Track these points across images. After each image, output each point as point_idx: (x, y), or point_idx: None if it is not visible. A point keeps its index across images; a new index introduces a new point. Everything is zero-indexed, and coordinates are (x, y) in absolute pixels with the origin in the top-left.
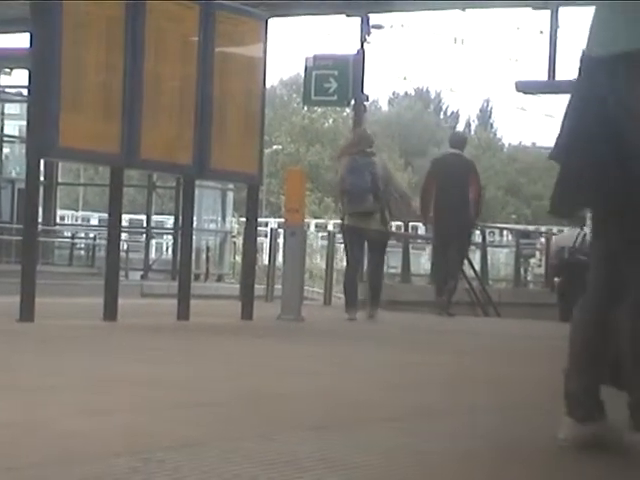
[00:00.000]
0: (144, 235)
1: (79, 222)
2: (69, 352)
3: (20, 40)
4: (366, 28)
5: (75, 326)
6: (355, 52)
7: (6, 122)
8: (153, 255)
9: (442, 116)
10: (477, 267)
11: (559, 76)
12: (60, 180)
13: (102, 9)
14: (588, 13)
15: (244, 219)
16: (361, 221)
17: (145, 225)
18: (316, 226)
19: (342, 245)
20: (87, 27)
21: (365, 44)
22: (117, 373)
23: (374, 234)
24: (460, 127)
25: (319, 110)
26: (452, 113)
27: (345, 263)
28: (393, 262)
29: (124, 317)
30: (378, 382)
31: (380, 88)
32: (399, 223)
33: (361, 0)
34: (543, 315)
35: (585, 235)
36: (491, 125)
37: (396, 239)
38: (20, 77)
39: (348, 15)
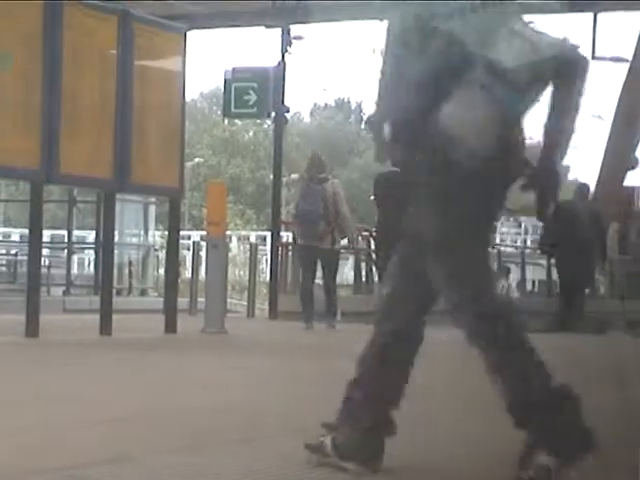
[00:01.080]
0: (65, 250)
1: (0, 238)
2: None
3: None
4: (287, 39)
5: None
6: (275, 64)
7: None
8: (75, 270)
9: (363, 126)
10: None
11: None
12: None
13: (18, 24)
14: None
15: (167, 232)
16: (313, 241)
17: (66, 240)
18: (238, 238)
19: (264, 257)
20: (4, 42)
21: (286, 55)
22: (35, 390)
23: (325, 253)
24: None
25: (240, 123)
26: None
27: (301, 278)
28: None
29: (46, 333)
30: (293, 394)
31: (302, 99)
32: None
33: (279, 9)
34: None
35: None
36: None
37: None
38: None
39: (267, 27)
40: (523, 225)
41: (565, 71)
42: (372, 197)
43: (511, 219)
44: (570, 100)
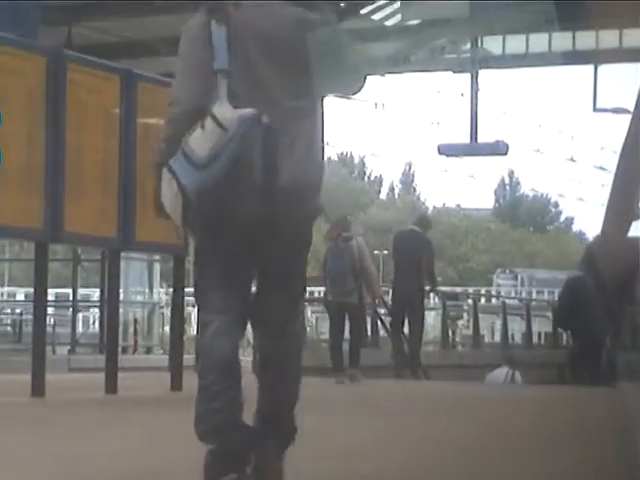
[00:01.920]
0: (70, 309)
1: (5, 298)
2: None
3: None
4: None
5: (1, 403)
6: None
7: None
8: (80, 329)
9: (366, 181)
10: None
11: (481, 138)
12: None
13: (22, 81)
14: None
15: (172, 290)
16: (342, 297)
17: (71, 299)
18: None
19: None
20: (7, 102)
21: None
22: (41, 449)
23: (353, 308)
24: (384, 191)
25: None
26: (376, 178)
27: (330, 333)
28: (323, 328)
29: (52, 392)
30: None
31: None
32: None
33: None
34: (472, 376)
35: None
36: (414, 188)
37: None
38: None
39: None
40: (519, 277)
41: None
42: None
43: (507, 271)
44: None
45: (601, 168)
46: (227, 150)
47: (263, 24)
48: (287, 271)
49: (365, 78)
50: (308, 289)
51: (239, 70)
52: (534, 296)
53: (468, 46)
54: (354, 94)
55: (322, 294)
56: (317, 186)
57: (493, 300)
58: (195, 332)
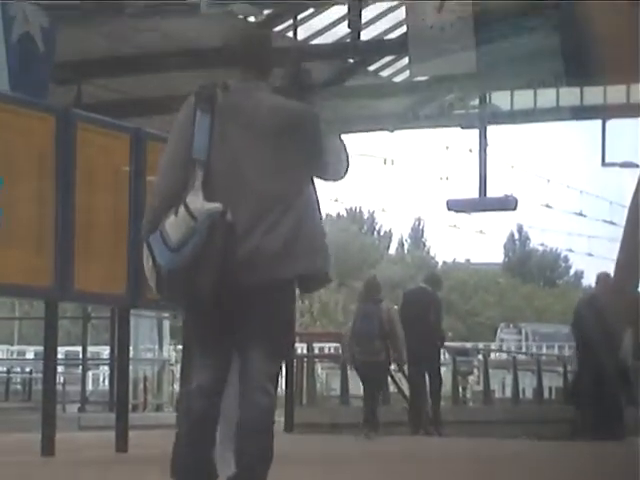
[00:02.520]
0: (80, 367)
1: (15, 356)
2: None
3: None
4: None
5: (10, 463)
6: None
7: None
8: (90, 387)
9: (376, 236)
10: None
11: (490, 193)
12: None
13: (31, 140)
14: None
15: (181, 347)
16: (370, 357)
17: (81, 357)
18: None
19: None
20: (17, 161)
21: None
22: None
23: (378, 366)
24: (393, 247)
25: None
26: (385, 233)
27: (363, 393)
28: (333, 384)
29: (62, 452)
30: None
31: None
32: (337, 345)
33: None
34: (484, 432)
35: None
36: (423, 244)
37: (334, 360)
38: None
39: None
40: (523, 331)
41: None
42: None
43: (511, 325)
44: None
45: (610, 222)
46: (194, 238)
47: (247, 111)
48: (261, 335)
49: (347, 165)
50: (319, 346)
51: (219, 157)
52: (544, 351)
53: (476, 102)
54: (336, 181)
55: (333, 350)
56: (297, 254)
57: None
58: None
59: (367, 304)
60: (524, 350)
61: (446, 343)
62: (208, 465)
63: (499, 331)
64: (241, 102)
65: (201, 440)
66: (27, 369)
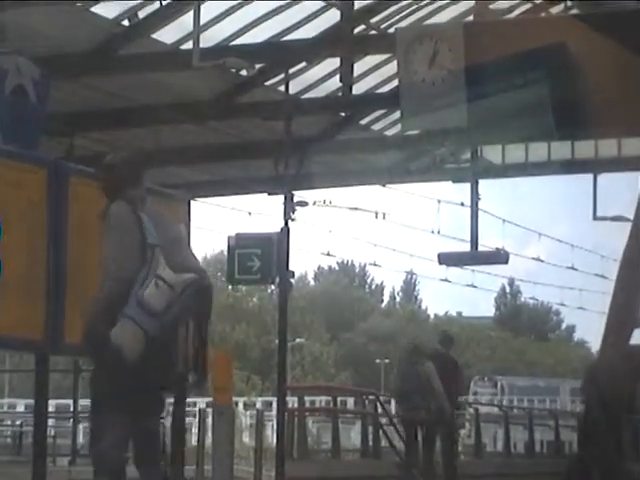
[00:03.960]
0: (71, 420)
1: (5, 409)
2: None
3: None
4: (290, 205)
5: None
6: (279, 230)
7: None
8: (81, 440)
9: (367, 289)
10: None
11: (481, 247)
12: None
13: (22, 192)
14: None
15: (172, 401)
16: (413, 415)
17: (72, 409)
18: (244, 405)
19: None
20: (8, 213)
21: (290, 221)
22: None
23: (423, 423)
24: (385, 300)
25: (244, 288)
26: (377, 286)
27: (405, 450)
28: (324, 437)
29: None
30: None
31: (306, 264)
32: (328, 398)
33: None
34: None
35: None
36: (415, 297)
37: (325, 414)
38: None
39: (270, 194)
40: (499, 384)
41: (199, 297)
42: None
43: (485, 378)
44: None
45: (602, 276)
46: (178, 303)
47: (158, 215)
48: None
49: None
50: (310, 399)
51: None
52: (517, 403)
53: (468, 156)
54: None
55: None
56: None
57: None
58: (196, 443)
59: (409, 366)
60: (497, 404)
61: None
62: None
63: (472, 384)
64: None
65: None
66: (17, 422)
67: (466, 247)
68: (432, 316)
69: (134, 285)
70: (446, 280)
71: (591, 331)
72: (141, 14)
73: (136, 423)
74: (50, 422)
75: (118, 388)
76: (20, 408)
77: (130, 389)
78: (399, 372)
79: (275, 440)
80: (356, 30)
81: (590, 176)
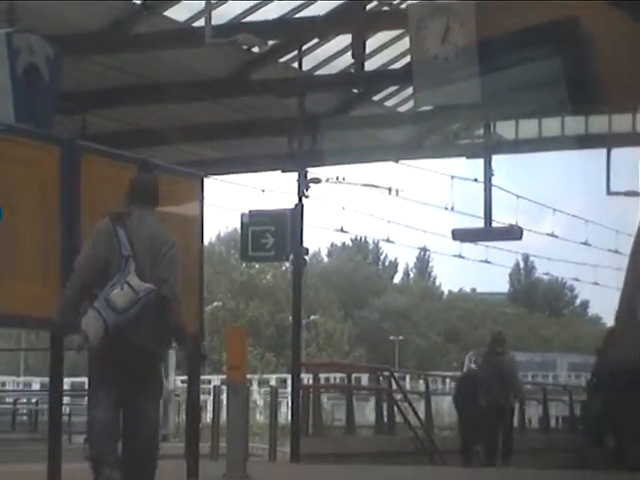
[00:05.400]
0: (86, 398)
1: (21, 387)
2: None
3: None
4: (304, 182)
5: None
6: (293, 207)
7: None
8: None
9: (381, 266)
10: (422, 416)
11: (495, 223)
12: (0, 346)
13: (37, 173)
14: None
15: (187, 377)
16: (491, 403)
17: (87, 387)
18: (259, 382)
19: (284, 399)
20: (22, 192)
21: (303, 198)
22: None
23: (500, 410)
24: (398, 276)
25: (257, 266)
26: (390, 263)
27: (487, 436)
28: (339, 414)
29: None
30: None
31: (320, 241)
32: (343, 375)
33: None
34: None
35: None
36: (429, 273)
37: (340, 391)
38: None
39: (283, 171)
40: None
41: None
42: None
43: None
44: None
45: (616, 251)
46: (138, 304)
47: (144, 232)
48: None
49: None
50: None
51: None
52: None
53: (481, 131)
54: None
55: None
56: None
57: None
58: (210, 420)
59: (490, 356)
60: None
61: (451, 373)
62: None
63: (467, 360)
64: (140, 225)
65: (105, 445)
66: (33, 400)
67: (480, 223)
68: (446, 292)
69: (107, 285)
70: (460, 256)
71: (606, 306)
72: None
73: (119, 391)
74: (65, 400)
75: (92, 364)
76: (35, 386)
77: (103, 364)
78: (483, 361)
79: (290, 417)
80: (368, 7)
81: (604, 151)
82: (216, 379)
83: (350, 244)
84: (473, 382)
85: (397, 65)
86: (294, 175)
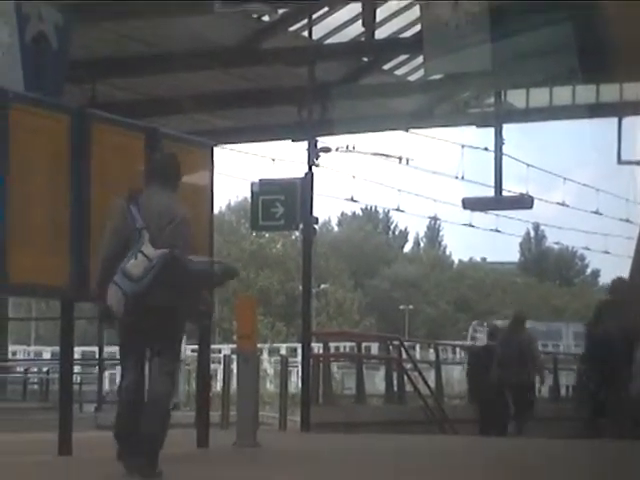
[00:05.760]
0: (97, 367)
1: (32, 356)
2: None
3: None
4: (314, 151)
5: (29, 463)
6: (303, 176)
7: None
8: (106, 386)
9: (391, 235)
10: (432, 385)
11: (506, 192)
12: (11, 315)
13: (47, 142)
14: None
15: (197, 346)
16: (510, 379)
17: (97, 356)
18: (269, 351)
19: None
20: (32, 160)
21: (313, 167)
22: None
23: (519, 386)
24: (409, 246)
25: (267, 235)
26: (401, 232)
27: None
28: (349, 383)
29: (79, 451)
30: None
31: (330, 209)
32: (353, 344)
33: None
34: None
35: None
36: (439, 242)
37: (350, 360)
38: None
39: (293, 140)
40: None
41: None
42: None
43: (485, 324)
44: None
45: (627, 220)
46: (153, 270)
47: (155, 209)
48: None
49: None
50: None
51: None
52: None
53: (492, 100)
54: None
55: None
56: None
57: None
58: (220, 389)
59: (512, 334)
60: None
61: (461, 342)
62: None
63: (471, 330)
64: (152, 203)
65: (133, 411)
66: (44, 369)
67: (490, 192)
68: (456, 262)
69: (124, 259)
70: (470, 225)
71: (616, 275)
72: None
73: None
74: (76, 369)
75: (120, 336)
76: (46, 355)
77: (128, 335)
78: (501, 339)
79: (300, 386)
80: None
81: (615, 119)
82: (226, 348)
83: (360, 213)
84: (489, 358)
85: (407, 33)
86: (304, 144)
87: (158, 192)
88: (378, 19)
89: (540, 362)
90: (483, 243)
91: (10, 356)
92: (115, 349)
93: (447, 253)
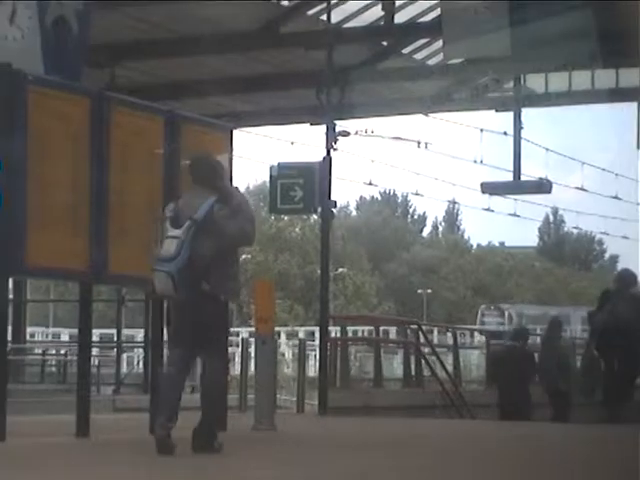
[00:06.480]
0: (115, 349)
1: (50, 338)
2: (40, 472)
3: None
4: (332, 135)
5: (47, 444)
6: (321, 159)
7: None
8: (124, 369)
9: (409, 219)
10: (450, 369)
11: (524, 176)
12: (29, 297)
13: (66, 125)
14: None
15: None
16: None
17: (116, 339)
18: (287, 334)
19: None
20: (52, 144)
21: (332, 151)
22: None
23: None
24: (427, 230)
25: (286, 218)
26: (419, 216)
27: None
28: (367, 367)
29: (97, 433)
30: None
31: (348, 193)
32: (371, 327)
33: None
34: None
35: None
36: (458, 227)
37: (368, 343)
38: None
39: (312, 123)
40: (507, 313)
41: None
42: None
43: (492, 307)
44: None
45: None
46: (185, 244)
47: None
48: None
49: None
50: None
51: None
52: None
53: (511, 84)
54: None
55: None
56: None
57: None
58: (238, 372)
59: (550, 341)
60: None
61: (480, 327)
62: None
63: (480, 314)
64: (189, 202)
65: (173, 401)
66: (62, 351)
67: (509, 176)
68: (475, 246)
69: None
70: (489, 210)
71: (635, 260)
72: None
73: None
74: (94, 351)
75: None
76: (64, 337)
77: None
78: (542, 344)
79: (317, 369)
80: None
81: (634, 104)
82: (244, 331)
83: (379, 197)
84: (516, 359)
85: (427, 18)
86: (323, 128)
87: (191, 192)
88: (397, 3)
89: (575, 371)
90: (502, 227)
91: (28, 338)
92: (132, 332)
93: (465, 237)
